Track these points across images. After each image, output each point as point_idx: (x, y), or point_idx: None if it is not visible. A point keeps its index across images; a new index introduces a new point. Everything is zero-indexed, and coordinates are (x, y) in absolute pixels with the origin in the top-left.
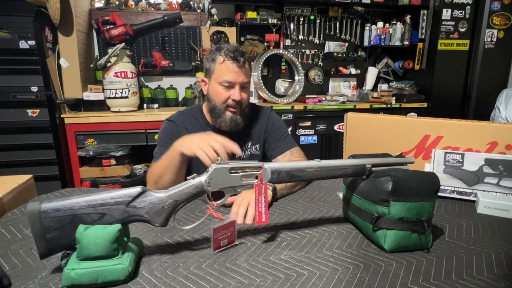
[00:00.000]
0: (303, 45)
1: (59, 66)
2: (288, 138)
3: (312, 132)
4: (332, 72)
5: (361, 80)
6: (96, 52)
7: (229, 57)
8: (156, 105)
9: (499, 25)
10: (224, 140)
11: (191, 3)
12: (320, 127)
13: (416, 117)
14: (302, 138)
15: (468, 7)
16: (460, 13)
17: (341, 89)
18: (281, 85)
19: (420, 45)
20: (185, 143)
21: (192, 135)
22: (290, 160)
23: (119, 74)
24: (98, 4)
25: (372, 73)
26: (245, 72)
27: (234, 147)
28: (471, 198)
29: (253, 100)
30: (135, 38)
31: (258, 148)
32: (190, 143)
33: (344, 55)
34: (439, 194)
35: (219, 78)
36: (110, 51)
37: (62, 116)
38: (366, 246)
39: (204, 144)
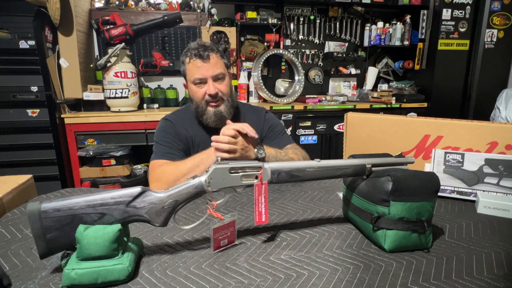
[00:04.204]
0: (303, 45)
1: (59, 66)
2: (286, 135)
3: (312, 132)
4: (332, 72)
5: (361, 80)
6: (96, 52)
7: (192, 55)
8: (156, 105)
9: (499, 25)
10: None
11: (191, 3)
12: (320, 127)
13: (416, 117)
14: (302, 138)
15: (468, 7)
16: (460, 13)
17: (341, 89)
18: (281, 85)
19: (420, 45)
20: None
21: None
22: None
23: (119, 74)
24: (98, 4)
25: (372, 73)
26: (213, 64)
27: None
28: (471, 198)
29: (253, 100)
30: (135, 38)
31: None
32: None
33: (344, 55)
34: (439, 194)
35: (191, 78)
36: (110, 51)
37: (62, 116)
38: (366, 246)
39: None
